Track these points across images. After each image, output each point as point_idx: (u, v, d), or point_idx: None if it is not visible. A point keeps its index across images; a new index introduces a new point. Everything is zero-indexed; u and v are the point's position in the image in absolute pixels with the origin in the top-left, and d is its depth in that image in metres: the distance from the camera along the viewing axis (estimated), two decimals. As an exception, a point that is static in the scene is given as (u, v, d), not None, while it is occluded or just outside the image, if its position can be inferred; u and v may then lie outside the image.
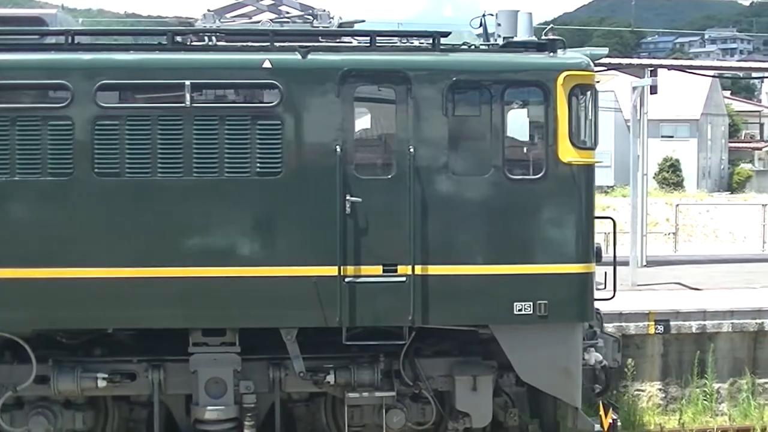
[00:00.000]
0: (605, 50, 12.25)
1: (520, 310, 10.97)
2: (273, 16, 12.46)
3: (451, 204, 10.95)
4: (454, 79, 10.88)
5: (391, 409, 11.27)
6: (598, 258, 11.33)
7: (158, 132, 10.72)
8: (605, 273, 11.72)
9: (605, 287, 11.68)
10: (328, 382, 11.23)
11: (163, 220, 10.79)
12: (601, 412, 11.15)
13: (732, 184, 73.03)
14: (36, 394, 11.31)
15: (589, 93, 11.15)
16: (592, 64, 11.22)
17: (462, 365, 11.41)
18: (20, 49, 11.06)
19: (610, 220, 12.06)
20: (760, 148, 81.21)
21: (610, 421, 11.04)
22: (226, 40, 11.49)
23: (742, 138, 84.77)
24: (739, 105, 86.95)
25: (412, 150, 10.81)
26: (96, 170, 10.70)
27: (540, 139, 11.10)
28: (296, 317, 10.96)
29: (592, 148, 11.18)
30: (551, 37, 11.35)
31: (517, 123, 11.37)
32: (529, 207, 11.03)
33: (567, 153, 10.99)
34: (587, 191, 11.11)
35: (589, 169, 11.12)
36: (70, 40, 10.93)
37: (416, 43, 11.57)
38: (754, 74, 23.96)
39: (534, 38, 11.64)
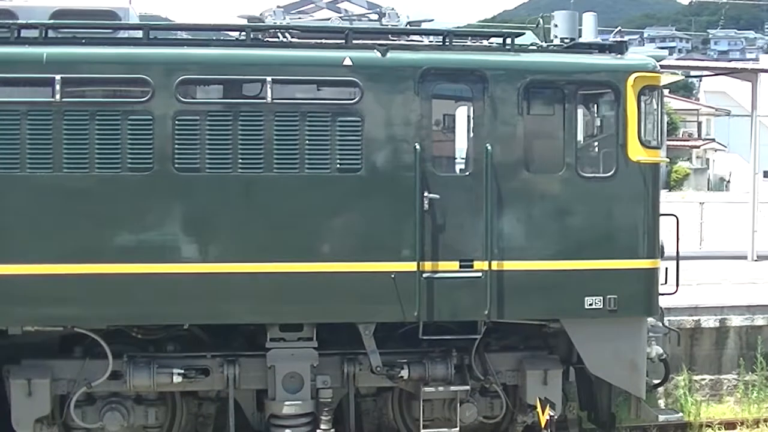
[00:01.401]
0: (665, 53, 12.59)
1: (590, 304, 11.25)
2: (332, 14, 12.52)
3: (526, 201, 11.18)
4: (530, 78, 11.10)
5: (464, 403, 11.46)
6: (660, 254, 11.67)
7: (239, 128, 10.74)
8: (666, 269, 12.04)
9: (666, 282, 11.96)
10: (402, 377, 11.38)
11: (243, 215, 10.81)
12: (539, 409, 11.34)
13: (670, 182, 74.58)
14: (108, 390, 11.26)
15: (655, 93, 11.46)
16: (658, 65, 11.55)
17: (532, 360, 11.66)
18: (95, 42, 10.99)
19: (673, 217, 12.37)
20: (698, 146, 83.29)
21: (547, 417, 11.23)
22: (300, 37, 11.54)
23: (680, 136, 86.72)
24: (677, 103, 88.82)
25: (489, 148, 11.00)
26: (176, 165, 10.68)
27: (610, 138, 11.38)
28: (375, 312, 11.09)
29: (659, 147, 11.49)
30: (618, 39, 11.64)
31: (589, 122, 11.63)
32: (599, 204, 11.31)
33: (636, 152, 11.29)
34: (654, 189, 11.43)
35: (655, 168, 11.44)
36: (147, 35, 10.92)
37: (485, 42, 11.75)
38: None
39: (599, 40, 11.91)
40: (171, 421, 11.65)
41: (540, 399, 11.30)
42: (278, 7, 11.77)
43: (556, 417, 11.28)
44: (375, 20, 12.02)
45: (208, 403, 11.77)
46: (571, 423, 12.26)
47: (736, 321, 15.46)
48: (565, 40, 12.06)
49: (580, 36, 12.15)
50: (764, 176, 31.07)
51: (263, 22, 11.80)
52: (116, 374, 11.12)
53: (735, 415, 14.75)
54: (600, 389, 12.34)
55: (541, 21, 12.41)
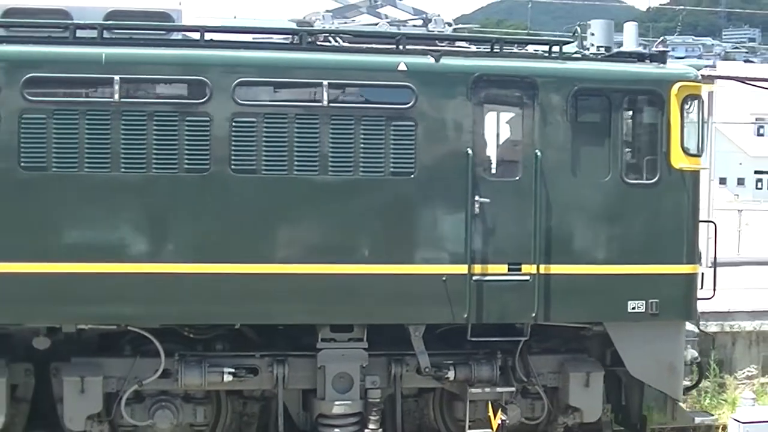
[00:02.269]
0: (704, 62, 12.92)
1: (633, 308, 11.52)
2: (372, 18, 12.67)
3: (572, 206, 11.43)
4: (578, 86, 11.35)
5: (508, 404, 11.67)
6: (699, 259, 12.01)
7: (295, 130, 10.85)
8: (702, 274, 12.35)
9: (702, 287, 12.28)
10: (448, 378, 11.56)
11: (297, 217, 10.92)
12: (490, 413, 11.49)
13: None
14: (156, 388, 11.30)
15: (697, 102, 11.78)
16: (699, 75, 11.88)
17: (574, 362, 11.91)
18: (152, 43, 11.03)
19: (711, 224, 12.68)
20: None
21: (499, 422, 11.39)
22: (351, 41, 11.67)
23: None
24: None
25: (538, 153, 11.23)
26: (233, 167, 10.76)
27: (654, 145, 11.66)
28: (425, 314, 11.26)
29: (700, 155, 11.81)
30: (660, 48, 11.94)
31: (634, 130, 11.91)
32: (643, 210, 11.58)
33: (678, 159, 11.60)
34: (695, 196, 11.76)
35: (696, 175, 11.75)
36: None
37: (531, 49, 11.98)
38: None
39: (640, 49, 12.21)
40: (216, 420, 11.72)
41: (492, 403, 11.46)
42: (327, 11, 11.87)
43: (507, 421, 11.44)
44: (420, 26, 12.17)
45: (253, 403, 11.87)
46: (605, 425, 12.50)
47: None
48: (601, 49, 12.35)
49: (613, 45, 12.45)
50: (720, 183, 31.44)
51: (312, 26, 11.90)
52: (165, 372, 11.18)
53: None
54: (631, 392, 12.64)
55: (578, 29, 12.66)
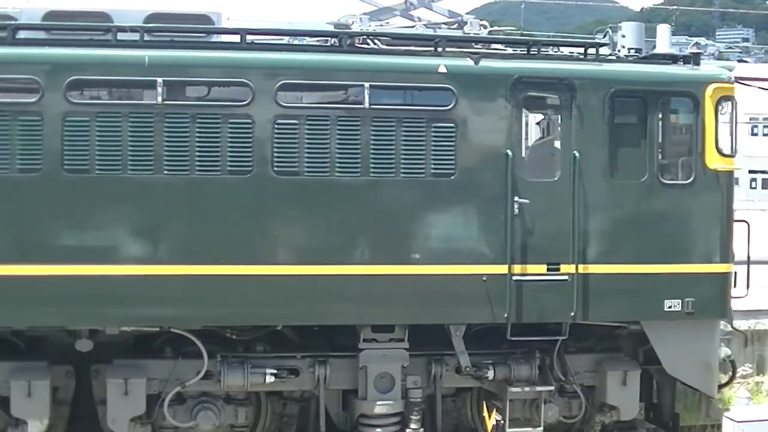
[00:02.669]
0: (735, 64, 13.05)
1: (669, 307, 11.64)
2: (405, 21, 12.75)
3: (610, 206, 11.54)
4: (615, 88, 11.45)
5: (546, 403, 11.76)
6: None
7: (337, 132, 10.92)
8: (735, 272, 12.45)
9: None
10: (488, 377, 11.65)
11: (339, 218, 10.98)
12: (485, 414, 11.56)
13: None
14: (198, 390, 11.35)
15: (730, 103, 11.89)
16: (732, 76, 12.00)
17: (611, 361, 12.02)
18: (194, 46, 11.09)
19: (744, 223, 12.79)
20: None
21: (494, 422, 11.46)
22: (389, 44, 11.74)
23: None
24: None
25: (576, 154, 11.33)
26: (275, 169, 10.82)
27: (689, 146, 11.78)
28: (466, 314, 11.35)
29: (733, 156, 11.92)
30: (694, 50, 12.06)
31: (669, 131, 12.02)
32: (679, 210, 11.70)
33: (713, 160, 11.72)
34: (728, 196, 11.88)
35: (730, 176, 11.88)
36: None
37: (566, 51, 12.08)
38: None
39: (674, 51, 12.32)
40: (255, 421, 11.77)
41: (487, 404, 11.53)
42: (363, 14, 11.94)
43: (502, 421, 11.48)
44: (455, 28, 12.25)
45: (292, 403, 11.92)
46: (639, 423, 12.62)
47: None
48: (631, 50, 12.47)
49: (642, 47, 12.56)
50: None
51: (348, 28, 11.97)
52: (207, 374, 11.22)
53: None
54: (663, 390, 12.76)
55: (609, 31, 12.76)
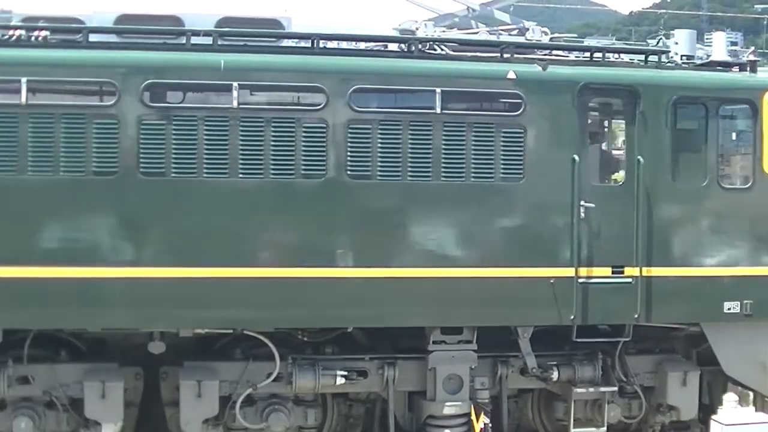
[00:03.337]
0: (787, 69, 13.27)
1: (729, 309, 11.86)
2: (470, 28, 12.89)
3: (672, 210, 11.76)
4: (678, 94, 11.67)
5: (609, 403, 11.95)
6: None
7: (408, 137, 11.05)
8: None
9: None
10: (552, 379, 11.82)
11: (410, 222, 11.12)
12: (473, 416, 11.66)
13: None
14: (268, 391, 11.45)
15: (786, 109, 12.13)
16: (788, 83, 12.23)
17: (671, 362, 12.23)
18: (267, 50, 11.20)
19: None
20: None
21: (482, 425, 11.55)
22: (455, 49, 11.89)
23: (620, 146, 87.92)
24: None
25: (640, 159, 11.52)
26: (348, 173, 10.94)
27: (748, 151, 12.01)
28: (533, 316, 11.53)
29: (790, 161, 12.16)
30: (751, 58, 12.29)
31: (728, 136, 12.24)
32: (737, 214, 11.93)
33: (771, 165, 11.97)
34: (785, 200, 12.12)
35: (786, 180, 12.13)
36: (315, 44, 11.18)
37: (626, 58, 12.27)
38: None
39: (730, 58, 12.56)
40: (322, 422, 11.89)
41: (474, 406, 11.63)
42: (428, 20, 12.09)
43: (490, 424, 11.54)
44: (516, 34, 12.42)
45: (358, 405, 12.04)
46: (693, 423, 12.80)
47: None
48: (684, 57, 12.70)
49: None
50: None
51: (414, 34, 12.11)
52: (277, 375, 11.32)
53: None
54: (715, 390, 12.96)
55: (663, 39, 12.97)
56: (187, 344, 11.69)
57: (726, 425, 10.90)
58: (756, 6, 70.72)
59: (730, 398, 11.32)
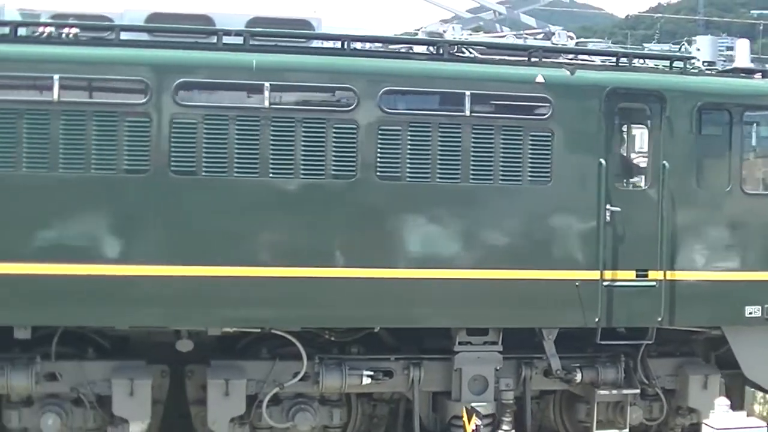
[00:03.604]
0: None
1: (750, 313, 11.97)
2: (496, 31, 12.97)
3: (696, 215, 11.85)
4: (703, 100, 11.77)
5: (631, 405, 12.04)
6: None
7: (438, 139, 11.12)
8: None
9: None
10: (576, 380, 11.91)
11: (439, 223, 11.17)
12: (465, 418, 11.67)
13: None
14: (294, 391, 11.50)
15: (808, 115, 12.28)
16: (810, 90, 12.36)
17: (692, 365, 12.34)
18: (298, 51, 11.25)
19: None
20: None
21: (473, 427, 11.60)
22: (483, 52, 11.96)
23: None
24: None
25: (665, 164, 11.62)
26: (378, 173, 11.00)
27: (770, 157, 12.15)
28: (558, 318, 11.61)
29: (812, 167, 12.30)
30: (774, 64, 12.40)
31: (751, 142, 12.36)
32: (760, 219, 12.03)
33: (793, 171, 12.10)
34: (807, 206, 12.23)
35: (808, 186, 12.26)
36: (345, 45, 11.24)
37: (651, 64, 12.38)
38: None
39: (752, 65, 12.68)
40: (346, 422, 11.94)
41: (466, 408, 11.64)
42: (456, 23, 12.16)
43: (482, 426, 11.59)
44: (542, 38, 12.50)
45: (382, 405, 12.10)
46: (710, 425, 12.91)
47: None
48: (705, 63, 12.82)
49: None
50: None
51: (442, 37, 12.18)
52: (303, 375, 11.37)
53: None
54: (732, 393, 13.07)
55: (686, 44, 13.08)
56: (209, 343, 11.74)
57: (718, 429, 11.00)
58: (752, 11, 70.94)
59: (721, 402, 11.40)
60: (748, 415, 11.28)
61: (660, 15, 72.16)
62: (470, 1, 13.13)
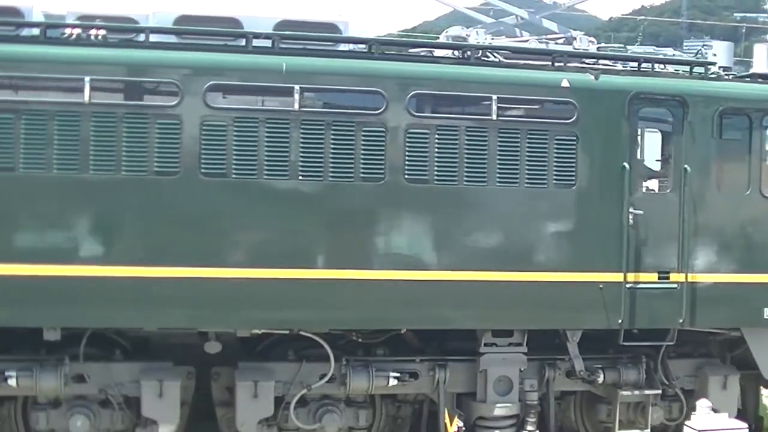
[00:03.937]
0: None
1: None
2: (519, 36, 13.09)
3: (716, 218, 12.01)
4: (724, 105, 11.93)
5: (652, 406, 12.19)
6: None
7: (465, 142, 11.22)
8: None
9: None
10: (598, 381, 12.04)
11: (467, 226, 11.26)
12: (447, 421, 11.66)
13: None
14: (320, 392, 11.56)
15: (825, 119, 12.44)
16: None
17: (711, 366, 12.50)
18: (327, 54, 11.32)
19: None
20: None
21: (455, 429, 11.65)
22: (508, 57, 12.07)
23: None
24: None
25: (687, 168, 11.77)
26: (406, 177, 11.08)
27: (789, 161, 12.31)
28: (582, 320, 11.73)
29: (829, 170, 12.47)
30: (793, 70, 12.60)
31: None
32: None
33: (812, 174, 12.26)
34: (825, 209, 12.41)
35: (826, 190, 12.43)
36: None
37: (671, 69, 12.52)
38: None
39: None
40: (371, 423, 12.01)
41: (448, 411, 11.73)
42: (480, 27, 12.26)
43: (464, 429, 11.64)
44: (563, 43, 12.63)
45: (406, 406, 12.17)
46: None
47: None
48: (722, 69, 13.00)
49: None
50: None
51: (466, 41, 12.28)
52: (330, 377, 11.44)
53: None
54: (748, 395, 13.27)
55: (702, 50, 13.24)
56: (231, 344, 11.79)
57: (699, 431, 11.15)
58: (735, 14, 71.43)
59: (703, 404, 11.56)
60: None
61: (643, 17, 72.65)
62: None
